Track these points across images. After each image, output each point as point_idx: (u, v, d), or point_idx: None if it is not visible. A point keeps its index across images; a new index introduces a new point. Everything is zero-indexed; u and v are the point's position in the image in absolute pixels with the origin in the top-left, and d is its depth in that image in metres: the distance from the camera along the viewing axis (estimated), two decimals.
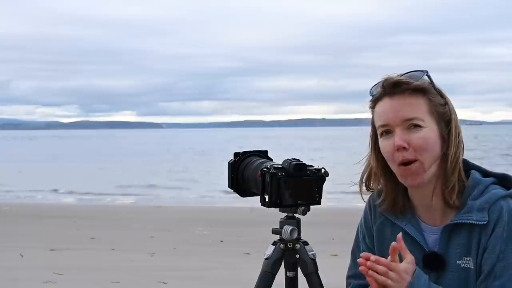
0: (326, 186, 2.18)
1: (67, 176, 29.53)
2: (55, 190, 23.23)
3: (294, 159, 2.16)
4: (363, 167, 2.25)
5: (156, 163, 39.78)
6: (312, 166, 2.16)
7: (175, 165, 37.61)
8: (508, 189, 2.12)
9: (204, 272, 8.03)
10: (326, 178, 2.17)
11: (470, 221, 2.07)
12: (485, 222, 2.06)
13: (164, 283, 7.29)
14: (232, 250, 9.59)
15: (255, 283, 2.20)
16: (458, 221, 2.09)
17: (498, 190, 2.10)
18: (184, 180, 27.59)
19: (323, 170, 2.16)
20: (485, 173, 2.17)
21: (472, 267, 2.09)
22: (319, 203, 2.16)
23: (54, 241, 10.34)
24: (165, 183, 26.09)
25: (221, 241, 10.49)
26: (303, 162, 2.16)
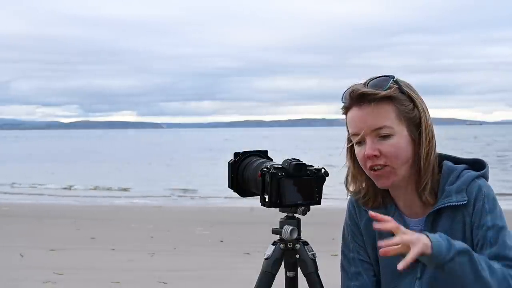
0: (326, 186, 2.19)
1: (66, 176, 29.53)
2: (54, 189, 23.27)
3: (294, 159, 2.16)
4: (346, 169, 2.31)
5: (155, 163, 39.78)
6: (312, 166, 2.17)
7: (175, 165, 37.61)
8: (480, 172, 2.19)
9: (204, 272, 8.02)
10: (326, 178, 2.18)
11: (450, 204, 2.12)
12: (465, 202, 2.11)
13: (164, 283, 7.29)
14: (232, 250, 9.58)
15: (255, 283, 2.20)
16: (439, 206, 2.14)
17: (472, 172, 2.17)
18: (184, 180, 27.56)
19: (323, 170, 2.17)
20: (457, 161, 2.23)
21: None
22: (319, 203, 2.16)
23: (54, 241, 10.33)
24: (165, 182, 26.05)
25: (221, 241, 10.49)
26: (303, 162, 2.16)
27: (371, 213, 2.00)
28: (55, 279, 7.43)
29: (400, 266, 1.88)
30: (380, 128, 2.11)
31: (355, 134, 2.16)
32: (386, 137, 2.12)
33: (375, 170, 2.15)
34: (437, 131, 2.28)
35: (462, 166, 2.20)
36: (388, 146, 2.12)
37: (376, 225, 1.96)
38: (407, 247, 1.90)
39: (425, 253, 1.91)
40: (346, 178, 2.30)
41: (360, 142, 2.16)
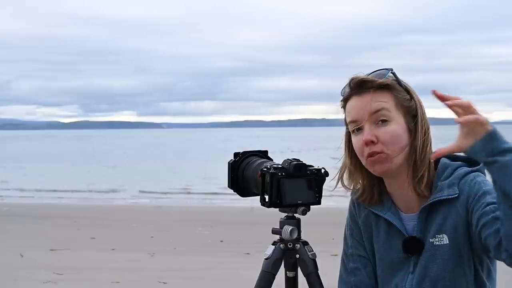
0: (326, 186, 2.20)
1: (67, 176, 29.54)
2: (55, 190, 23.26)
3: (294, 159, 2.16)
4: (341, 165, 2.32)
5: (155, 163, 39.79)
6: (312, 166, 2.17)
7: (175, 165, 37.61)
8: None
9: (204, 272, 8.03)
10: (326, 178, 2.18)
11: (441, 198, 2.13)
12: (456, 195, 2.12)
13: (164, 283, 7.30)
14: (232, 250, 9.59)
15: (255, 283, 2.20)
16: (431, 201, 2.15)
17: (466, 168, 2.18)
18: (184, 180, 27.57)
19: (323, 170, 2.17)
20: (454, 158, 2.25)
21: (446, 242, 2.13)
22: (319, 203, 2.17)
23: (54, 241, 10.34)
24: (165, 183, 26.05)
25: (221, 241, 10.50)
26: (303, 162, 2.16)
27: (433, 90, 1.97)
28: (55, 279, 7.44)
29: (460, 120, 1.91)
30: (378, 110, 2.14)
31: (354, 121, 2.18)
32: (383, 123, 2.14)
33: (372, 157, 2.16)
34: (437, 131, 2.29)
35: (458, 163, 2.21)
36: (385, 132, 2.14)
37: (449, 102, 1.94)
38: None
39: (485, 126, 1.90)
40: (341, 175, 2.30)
41: (358, 131, 2.17)
